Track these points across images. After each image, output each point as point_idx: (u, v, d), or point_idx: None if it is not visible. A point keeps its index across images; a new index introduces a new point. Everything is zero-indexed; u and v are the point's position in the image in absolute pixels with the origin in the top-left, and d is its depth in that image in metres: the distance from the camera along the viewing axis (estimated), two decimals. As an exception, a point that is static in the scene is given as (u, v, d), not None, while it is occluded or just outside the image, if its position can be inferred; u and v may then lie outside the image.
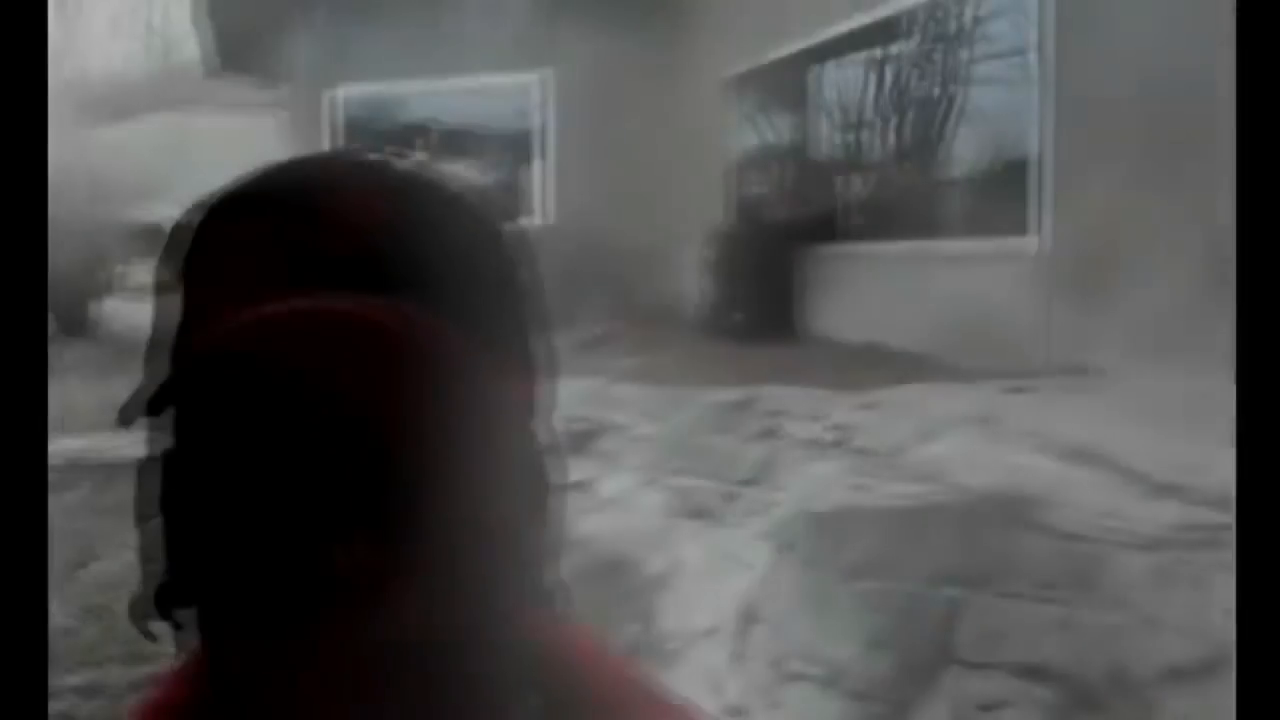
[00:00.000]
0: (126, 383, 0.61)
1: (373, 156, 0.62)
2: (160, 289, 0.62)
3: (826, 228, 7.98)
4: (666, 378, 6.13)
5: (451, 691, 0.56)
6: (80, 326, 12.06)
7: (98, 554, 5.59)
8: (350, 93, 12.23)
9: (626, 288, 9.51)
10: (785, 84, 8.80)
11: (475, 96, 11.47)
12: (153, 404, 0.57)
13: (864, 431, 4.43)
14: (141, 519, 0.62)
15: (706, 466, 4.82)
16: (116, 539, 5.96)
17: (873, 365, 6.11)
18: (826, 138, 8.67)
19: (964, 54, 7.08)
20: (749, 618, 3.55)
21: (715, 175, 9.45)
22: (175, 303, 0.62)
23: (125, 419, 0.58)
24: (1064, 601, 3.00)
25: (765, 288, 8.03)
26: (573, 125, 10.63)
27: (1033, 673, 2.95)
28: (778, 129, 9.30)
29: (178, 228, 0.62)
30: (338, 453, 0.53)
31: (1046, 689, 2.89)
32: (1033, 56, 6.00)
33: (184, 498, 0.59)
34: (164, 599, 0.60)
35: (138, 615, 0.61)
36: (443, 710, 0.55)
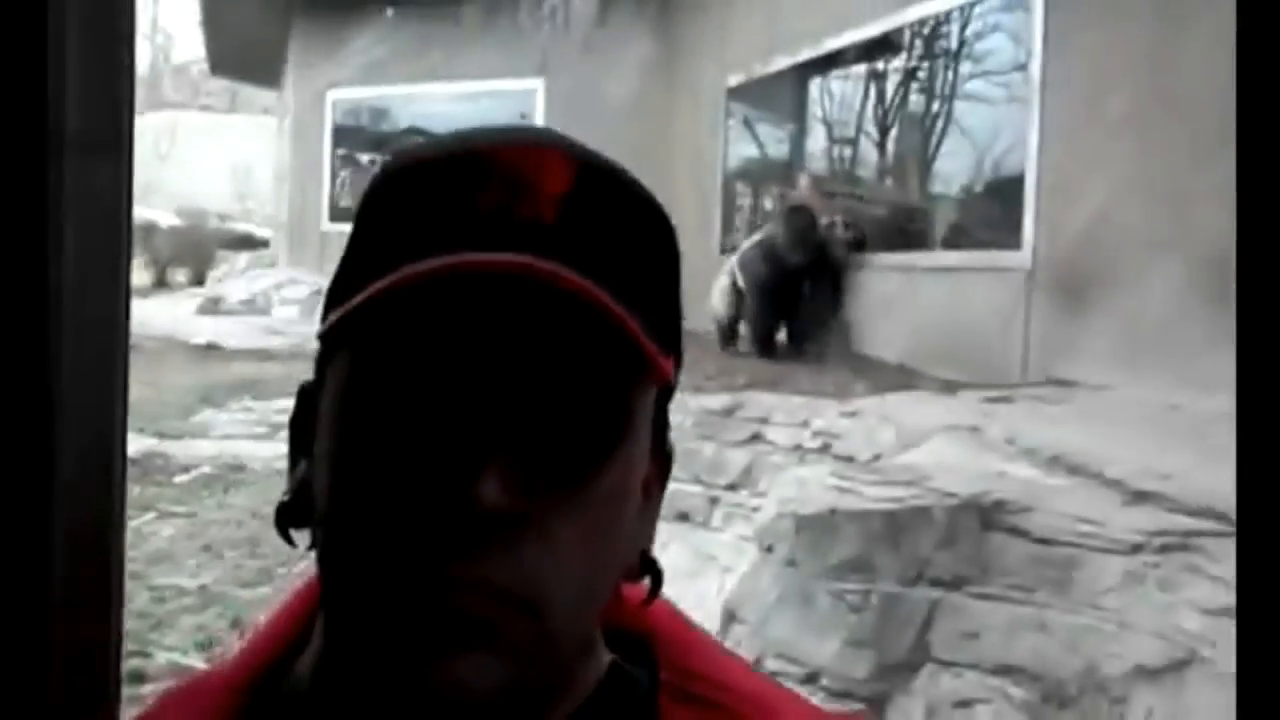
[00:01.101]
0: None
1: (557, 133, 0.63)
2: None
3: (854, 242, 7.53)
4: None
5: (545, 652, 0.57)
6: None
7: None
8: (340, 97, 12.25)
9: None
10: (782, 96, 8.84)
11: (467, 102, 11.48)
12: (321, 338, 0.61)
13: (847, 438, 4.48)
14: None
15: (691, 471, 4.87)
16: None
17: (858, 375, 6.16)
18: (823, 151, 8.71)
19: (957, 70, 7.14)
20: (730, 617, 3.59)
21: (711, 187, 9.49)
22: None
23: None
24: (1039, 603, 3.05)
25: (801, 307, 7.39)
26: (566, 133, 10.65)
27: (1007, 672, 3.00)
28: (774, 141, 9.35)
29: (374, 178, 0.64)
30: (491, 402, 0.55)
31: (1020, 687, 2.94)
32: (1025, 74, 6.06)
33: (329, 428, 0.60)
34: (284, 517, 0.64)
35: (281, 523, 0.64)
36: (535, 667, 0.57)
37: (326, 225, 12.16)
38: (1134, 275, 5.00)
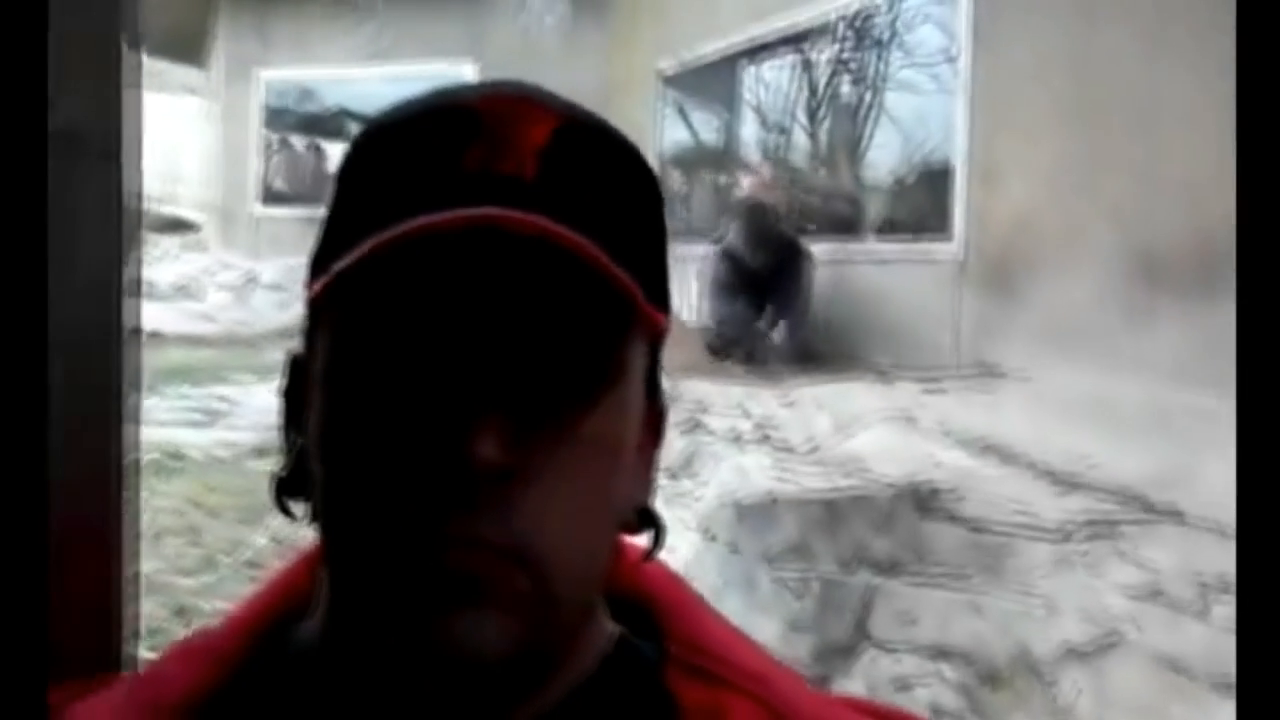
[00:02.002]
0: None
1: (538, 87, 0.62)
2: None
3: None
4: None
5: (549, 605, 0.57)
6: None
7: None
8: (270, 77, 12.10)
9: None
10: (716, 84, 8.89)
11: (398, 85, 11.34)
12: (307, 305, 0.61)
13: (785, 427, 4.57)
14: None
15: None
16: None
17: (797, 365, 6.23)
18: (755, 139, 8.77)
19: (888, 60, 7.22)
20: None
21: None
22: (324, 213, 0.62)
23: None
24: (973, 588, 3.17)
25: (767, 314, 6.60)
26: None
27: (943, 653, 3.12)
28: (708, 128, 9.40)
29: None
30: (483, 358, 0.55)
31: (956, 669, 3.06)
32: (954, 65, 6.15)
33: (321, 393, 0.60)
34: (282, 490, 0.63)
35: (279, 495, 0.64)
36: (539, 622, 0.57)
37: (258, 209, 12.03)
38: (1060, 265, 5.13)
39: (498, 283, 0.55)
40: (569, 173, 0.58)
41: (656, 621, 0.66)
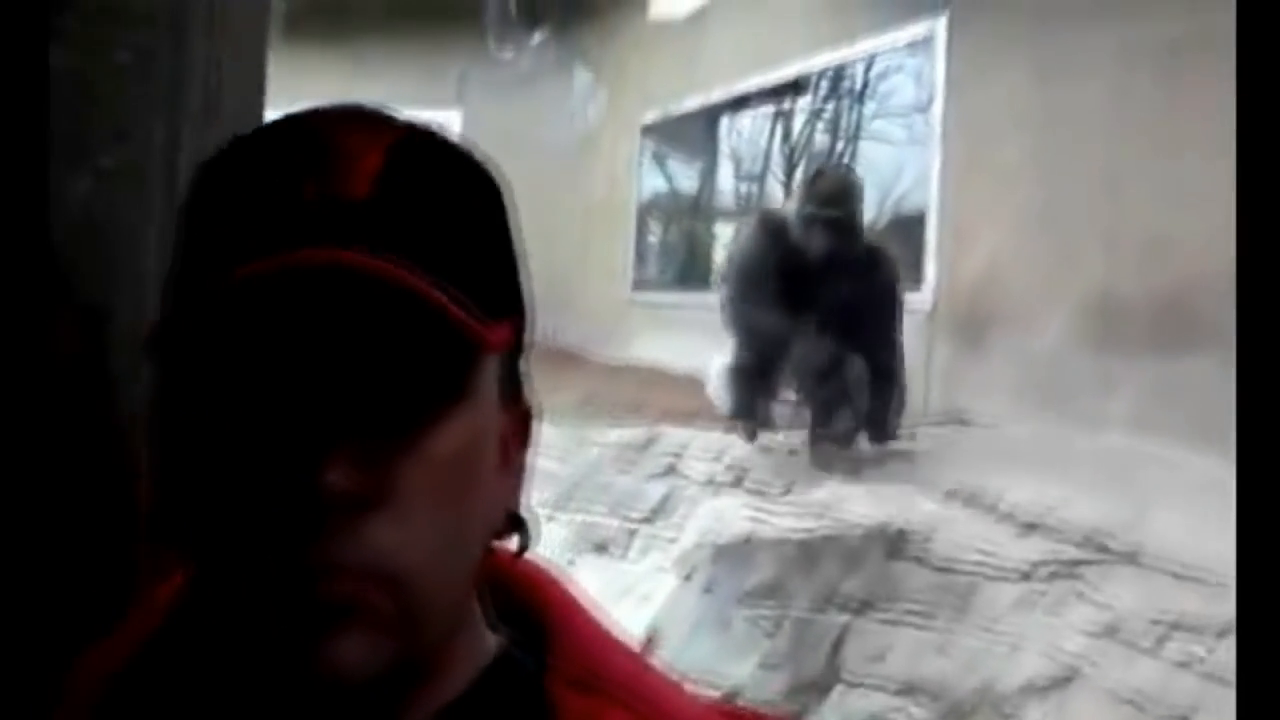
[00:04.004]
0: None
1: (376, 108, 0.63)
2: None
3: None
4: (570, 418, 6.26)
5: (416, 620, 0.58)
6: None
7: None
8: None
9: (532, 329, 9.51)
10: (693, 134, 8.99)
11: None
12: (149, 346, 0.60)
13: (759, 470, 4.65)
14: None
15: (609, 503, 5.00)
16: None
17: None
18: (730, 187, 8.86)
19: (862, 110, 7.31)
20: (651, 642, 3.75)
21: (624, 221, 9.62)
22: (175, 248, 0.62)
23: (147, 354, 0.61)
24: (939, 627, 3.27)
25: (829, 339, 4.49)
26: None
27: (911, 689, 3.22)
28: (684, 177, 9.50)
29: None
30: (324, 391, 0.56)
31: (923, 704, 3.16)
32: (926, 115, 6.23)
33: (172, 434, 0.61)
34: (154, 527, 0.66)
35: (152, 536, 0.66)
36: (408, 638, 0.58)
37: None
38: (1026, 316, 5.22)
39: (331, 317, 0.56)
40: (404, 193, 0.58)
41: (545, 637, 0.67)
